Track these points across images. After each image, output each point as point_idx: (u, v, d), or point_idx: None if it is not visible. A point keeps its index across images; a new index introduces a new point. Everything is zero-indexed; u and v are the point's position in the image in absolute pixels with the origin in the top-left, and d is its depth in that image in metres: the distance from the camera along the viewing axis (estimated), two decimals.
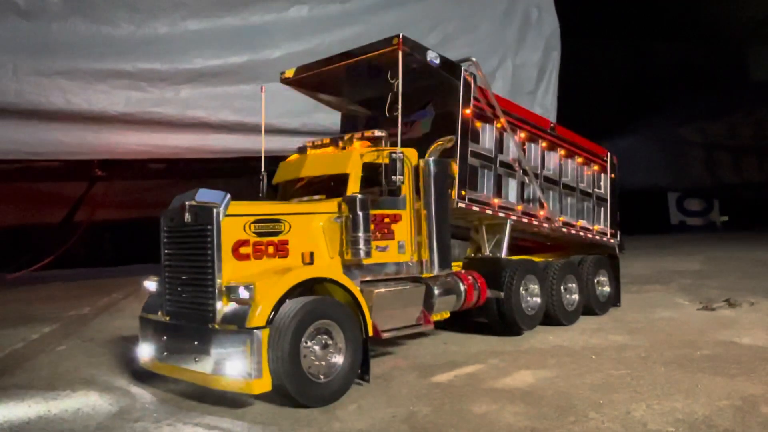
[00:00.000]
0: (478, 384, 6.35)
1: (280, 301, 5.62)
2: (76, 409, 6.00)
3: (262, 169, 8.42)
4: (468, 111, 7.81)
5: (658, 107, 38.71)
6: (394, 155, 6.65)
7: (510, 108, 8.72)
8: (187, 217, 6.03)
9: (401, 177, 6.66)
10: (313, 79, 8.35)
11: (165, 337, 6.23)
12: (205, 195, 6.15)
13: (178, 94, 17.36)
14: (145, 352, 6.54)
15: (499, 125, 8.36)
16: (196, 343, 5.81)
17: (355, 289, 6.27)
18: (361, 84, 8.53)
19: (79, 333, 10.46)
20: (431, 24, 20.36)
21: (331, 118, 17.06)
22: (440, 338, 8.69)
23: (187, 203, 6.04)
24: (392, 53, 7.06)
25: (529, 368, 6.91)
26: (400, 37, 6.92)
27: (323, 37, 18.59)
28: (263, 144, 8.81)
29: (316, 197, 7.03)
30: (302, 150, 7.75)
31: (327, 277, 6.12)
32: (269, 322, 5.51)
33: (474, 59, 7.96)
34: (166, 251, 6.40)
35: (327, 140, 7.63)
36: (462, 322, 8.95)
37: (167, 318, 6.33)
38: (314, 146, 7.64)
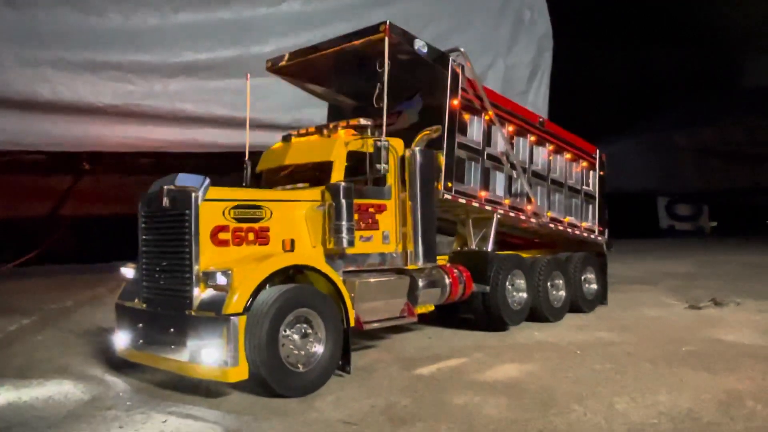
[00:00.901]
0: (460, 377, 6.24)
1: (259, 288, 5.48)
2: (48, 397, 5.84)
3: (246, 157, 8.29)
4: (456, 102, 7.70)
5: (651, 112, 38.88)
6: (378, 143, 6.54)
7: (498, 101, 8.63)
8: (165, 201, 5.89)
9: (385, 165, 6.54)
10: (300, 68, 8.22)
11: (141, 325, 6.08)
12: (184, 180, 6.03)
13: (167, 87, 17.18)
14: (122, 340, 6.38)
15: (487, 117, 8.27)
16: (172, 330, 5.66)
17: (337, 279, 6.14)
18: (348, 74, 8.43)
19: (58, 324, 10.27)
20: (423, 22, 20.24)
21: (321, 113, 16.89)
22: (424, 333, 8.58)
23: (165, 187, 5.90)
24: (379, 41, 6.96)
25: (513, 362, 6.81)
26: (387, 24, 6.82)
27: (315, 33, 18.40)
28: (247, 133, 8.67)
29: (300, 185, 6.91)
30: (287, 138, 7.62)
31: (308, 265, 5.99)
32: (246, 309, 5.37)
33: (462, 49, 7.86)
34: (143, 237, 6.26)
35: (312, 129, 7.51)
36: (447, 317, 8.84)
37: (144, 305, 6.18)
38: (299, 134, 7.52)
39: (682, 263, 18.68)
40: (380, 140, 6.56)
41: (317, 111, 17.29)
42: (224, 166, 24.25)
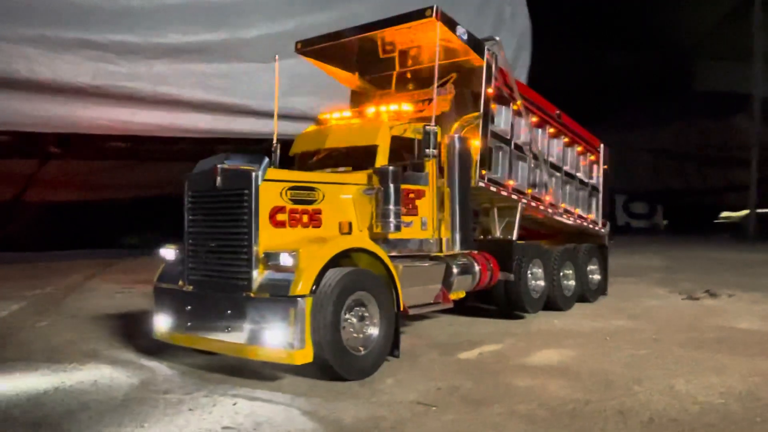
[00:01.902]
0: (506, 361, 6.33)
1: (324, 270, 5.41)
2: (93, 381, 5.63)
3: (275, 141, 8.16)
4: (491, 90, 7.76)
5: (611, 113, 39.96)
6: (428, 128, 6.54)
7: (524, 91, 8.74)
8: (219, 181, 5.74)
9: (434, 150, 6.56)
10: (330, 51, 8.14)
11: (189, 308, 5.91)
12: (237, 159, 5.89)
13: (151, 69, 16.71)
14: (163, 323, 6.19)
15: (515, 107, 8.37)
16: (228, 312, 5.53)
17: (390, 263, 6.12)
18: (372, 60, 8.39)
19: (53, 310, 9.89)
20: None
21: (306, 102, 16.79)
22: (442, 321, 8.63)
23: (219, 166, 5.74)
24: (424, 25, 6.97)
25: (549, 348, 6.94)
26: (435, 8, 6.82)
27: (302, 20, 18.27)
28: (276, 117, 8.51)
29: (341, 169, 6.84)
30: (320, 122, 7.54)
31: (367, 249, 5.95)
32: (312, 291, 5.30)
33: (497, 38, 7.93)
34: (190, 217, 6.07)
35: (348, 112, 7.46)
36: (457, 306, 8.86)
37: (190, 287, 6.01)
38: (334, 118, 7.44)
39: (652, 258, 19.31)
40: (429, 125, 6.56)
41: (302, 99, 17.14)
42: (199, 154, 23.78)
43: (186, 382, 5.60)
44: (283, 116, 18.29)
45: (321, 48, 8.10)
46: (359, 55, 8.47)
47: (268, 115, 18.77)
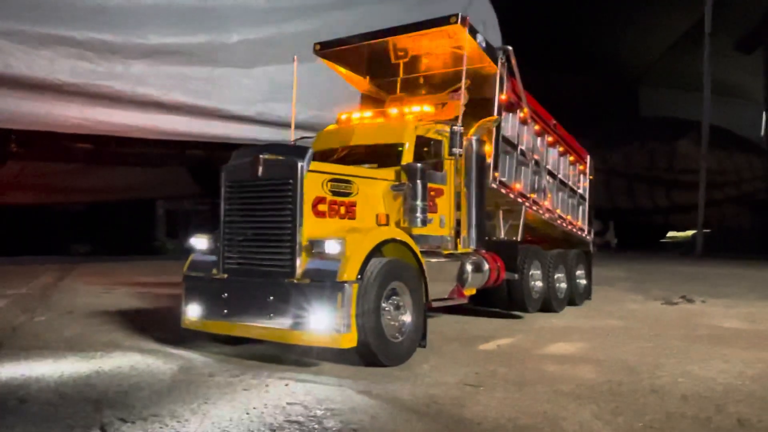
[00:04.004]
0: (526, 352, 6.61)
1: (368, 258, 5.60)
2: (131, 366, 5.63)
3: (291, 139, 8.29)
4: (503, 96, 8.14)
5: None
6: (455, 128, 6.83)
7: (528, 99, 9.15)
8: (261, 171, 5.87)
9: (460, 150, 6.84)
10: (347, 54, 8.38)
11: (225, 295, 5.98)
12: (276, 151, 6.04)
13: (129, 69, 16.54)
14: (194, 311, 6.22)
15: (522, 115, 8.78)
16: (271, 298, 5.64)
17: (421, 256, 6.35)
18: (386, 64, 8.65)
19: (45, 308, 9.66)
20: (385, 26, 20.71)
21: (286, 109, 16.93)
22: (447, 319, 8.85)
23: (261, 157, 5.88)
24: (445, 31, 7.31)
25: (560, 341, 7.28)
26: (460, 15, 7.16)
27: (282, 27, 18.48)
28: (293, 119, 8.63)
29: (366, 166, 7.04)
30: (340, 121, 7.75)
31: (405, 242, 6.17)
32: (358, 277, 5.48)
33: (510, 48, 8.33)
34: (227, 207, 6.16)
35: (369, 112, 7.70)
36: (452, 306, 9.07)
37: (225, 275, 6.08)
38: (356, 118, 7.66)
39: (614, 270, 20.01)
40: (456, 125, 6.86)
41: (283, 106, 17.22)
42: (163, 158, 23.41)
43: (226, 367, 5.66)
44: (263, 122, 18.31)
45: (338, 50, 8.33)
46: (373, 59, 8.72)
47: (247, 120, 18.84)
